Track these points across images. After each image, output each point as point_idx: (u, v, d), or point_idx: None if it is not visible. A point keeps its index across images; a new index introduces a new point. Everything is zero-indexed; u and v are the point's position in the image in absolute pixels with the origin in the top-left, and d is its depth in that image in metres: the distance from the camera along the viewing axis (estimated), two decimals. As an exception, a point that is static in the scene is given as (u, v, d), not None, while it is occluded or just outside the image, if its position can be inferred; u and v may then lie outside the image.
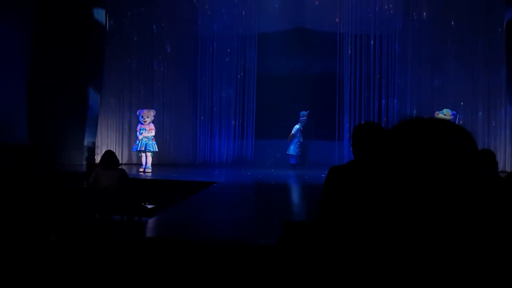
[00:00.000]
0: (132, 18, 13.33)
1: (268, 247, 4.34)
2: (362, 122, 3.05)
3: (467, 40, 12.66)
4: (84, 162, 12.01)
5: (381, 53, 13.16)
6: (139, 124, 11.69)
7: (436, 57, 12.87)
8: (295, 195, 9.67)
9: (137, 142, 11.63)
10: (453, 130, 1.04)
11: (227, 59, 13.52)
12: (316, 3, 13.28)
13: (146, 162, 11.46)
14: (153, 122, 11.77)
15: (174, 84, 13.51)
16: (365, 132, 3.04)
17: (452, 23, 12.74)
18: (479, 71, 12.70)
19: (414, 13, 12.94)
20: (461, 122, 11.69)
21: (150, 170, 11.35)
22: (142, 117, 11.65)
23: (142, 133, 11.54)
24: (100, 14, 12.66)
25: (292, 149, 13.03)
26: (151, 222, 5.75)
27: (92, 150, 12.67)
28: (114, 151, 9.47)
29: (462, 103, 12.75)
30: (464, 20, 12.65)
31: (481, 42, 12.61)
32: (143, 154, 11.53)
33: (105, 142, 13.16)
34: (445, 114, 11.29)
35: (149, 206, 7.46)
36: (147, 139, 11.50)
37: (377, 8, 13.08)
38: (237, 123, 13.62)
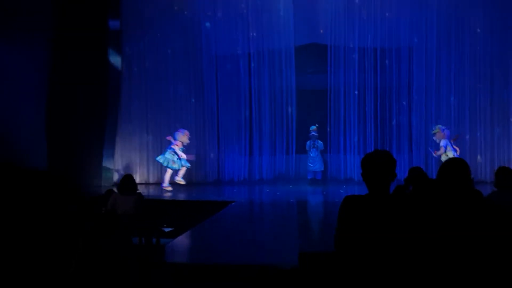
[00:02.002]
0: (149, 44, 13.19)
1: (281, 271, 4.32)
2: (372, 151, 3.09)
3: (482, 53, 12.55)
4: (102, 185, 12.04)
5: (390, 68, 12.98)
6: (172, 143, 11.78)
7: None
8: (307, 215, 9.65)
9: (161, 155, 11.80)
10: None
11: (264, 76, 13.29)
12: (331, 19, 13.06)
13: (165, 179, 11.72)
14: (186, 145, 11.96)
15: (208, 102, 13.32)
16: (376, 162, 3.05)
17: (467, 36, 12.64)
18: (494, 87, 12.55)
19: (427, 29, 12.75)
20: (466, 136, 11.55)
21: (170, 188, 11.60)
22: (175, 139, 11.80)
23: (168, 151, 11.72)
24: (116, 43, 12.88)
25: (308, 165, 13.09)
26: (164, 247, 5.78)
27: (110, 173, 12.72)
28: (132, 173, 9.50)
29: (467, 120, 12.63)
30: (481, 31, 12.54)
31: (496, 56, 12.49)
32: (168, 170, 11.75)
33: (123, 165, 13.13)
34: (434, 129, 11.30)
35: (167, 230, 7.49)
36: (173, 155, 11.64)
37: (388, 22, 12.84)
38: (276, 139, 13.44)
